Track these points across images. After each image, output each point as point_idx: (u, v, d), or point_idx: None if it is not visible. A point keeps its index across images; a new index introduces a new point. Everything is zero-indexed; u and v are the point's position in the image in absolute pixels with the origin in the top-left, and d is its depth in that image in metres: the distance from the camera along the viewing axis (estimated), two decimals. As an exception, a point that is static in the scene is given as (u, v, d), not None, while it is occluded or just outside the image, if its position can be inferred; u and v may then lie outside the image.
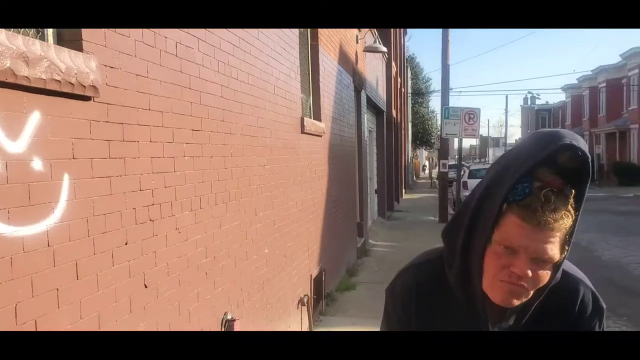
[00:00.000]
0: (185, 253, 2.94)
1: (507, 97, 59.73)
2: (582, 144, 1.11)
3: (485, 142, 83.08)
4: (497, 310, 1.23)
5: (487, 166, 26.17)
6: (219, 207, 3.37)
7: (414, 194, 27.87)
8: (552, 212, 1.08)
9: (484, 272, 1.16)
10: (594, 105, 38.96)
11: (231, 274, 3.56)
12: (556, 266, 1.15)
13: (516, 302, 1.15)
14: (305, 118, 5.46)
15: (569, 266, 1.28)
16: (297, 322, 5.20)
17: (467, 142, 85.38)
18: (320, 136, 6.26)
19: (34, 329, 1.82)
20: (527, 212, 1.08)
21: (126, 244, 2.38)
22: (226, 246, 3.47)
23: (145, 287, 2.53)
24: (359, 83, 9.55)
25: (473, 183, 18.55)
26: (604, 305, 1.29)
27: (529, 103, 60.13)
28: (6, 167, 1.69)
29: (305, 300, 5.38)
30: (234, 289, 3.60)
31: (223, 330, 3.40)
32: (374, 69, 12.74)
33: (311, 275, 5.78)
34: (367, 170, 11.90)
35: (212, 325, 3.28)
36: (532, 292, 1.15)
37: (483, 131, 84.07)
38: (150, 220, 2.58)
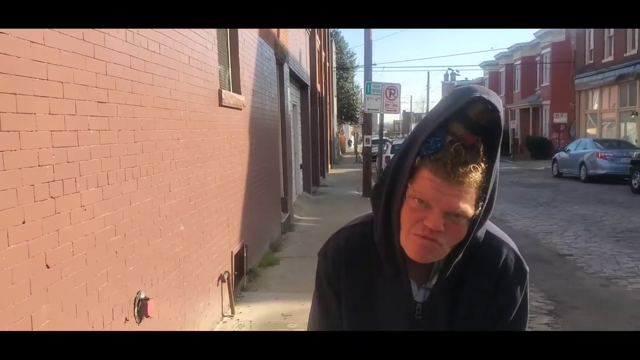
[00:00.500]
0: (92, 231, 2.81)
1: (428, 73, 61.42)
2: (494, 99, 1.11)
3: (408, 117, 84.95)
4: (421, 271, 1.25)
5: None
6: (129, 182, 3.24)
7: (339, 168, 28.20)
8: (462, 166, 1.08)
9: (400, 226, 1.17)
10: (510, 82, 40.63)
11: (144, 252, 3.45)
12: (472, 222, 1.16)
13: (430, 258, 1.16)
14: (223, 90, 5.33)
15: (494, 228, 1.30)
16: (217, 299, 5.15)
17: (391, 118, 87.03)
18: (240, 109, 6.16)
19: None
20: (438, 166, 1.09)
21: (24, 222, 2.24)
22: (138, 223, 3.35)
23: (47, 267, 2.40)
24: (281, 56, 9.44)
25: (396, 157, 18.97)
26: (527, 269, 1.30)
27: (449, 79, 61.91)
28: None
29: (226, 277, 5.32)
30: (147, 268, 3.50)
31: (136, 309, 3.31)
32: (297, 41, 12.64)
33: (232, 251, 5.72)
34: (292, 145, 11.87)
35: (125, 304, 3.18)
36: (447, 249, 1.16)
37: (406, 107, 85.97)
38: (52, 197, 2.44)
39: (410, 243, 1.15)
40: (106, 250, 2.96)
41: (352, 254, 1.31)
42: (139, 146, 3.38)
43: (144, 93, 3.46)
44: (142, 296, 3.37)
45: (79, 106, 2.67)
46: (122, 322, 3.15)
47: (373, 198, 1.26)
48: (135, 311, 3.31)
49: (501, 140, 1.14)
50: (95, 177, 2.85)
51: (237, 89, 6.24)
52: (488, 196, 1.14)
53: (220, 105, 5.27)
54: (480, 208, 1.14)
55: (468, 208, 1.12)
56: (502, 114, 1.12)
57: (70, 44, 2.60)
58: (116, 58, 3.09)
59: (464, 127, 1.11)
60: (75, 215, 2.64)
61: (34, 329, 2.30)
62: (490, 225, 1.26)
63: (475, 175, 1.10)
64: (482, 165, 1.11)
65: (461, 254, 1.19)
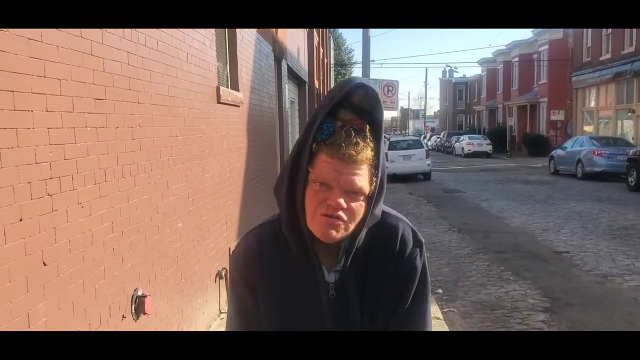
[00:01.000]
0: (90, 228, 2.81)
1: (426, 70, 60.81)
2: (372, 84, 1.27)
3: (405, 114, 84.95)
4: (330, 255, 1.33)
5: (407, 138, 26.74)
6: (127, 180, 3.23)
7: (336, 165, 28.13)
8: (353, 146, 1.20)
9: (305, 210, 1.25)
10: (508, 79, 40.63)
11: (141, 249, 3.45)
12: (369, 199, 1.26)
13: (336, 236, 1.24)
14: (221, 87, 5.32)
15: (388, 209, 1.41)
16: (214, 296, 5.15)
17: (389, 114, 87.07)
18: (238, 106, 6.15)
19: None
20: (333, 148, 1.21)
21: (21, 220, 2.24)
22: (135, 220, 3.35)
23: (44, 265, 2.40)
24: (279, 52, 9.43)
25: (393, 154, 18.99)
26: (423, 239, 1.42)
27: (447, 76, 61.84)
28: None
29: (224, 274, 5.32)
30: (144, 265, 3.50)
31: (134, 306, 3.31)
32: (295, 38, 12.61)
33: (230, 248, 5.72)
34: (290, 141, 11.86)
35: (122, 301, 3.18)
36: (351, 226, 1.26)
37: (404, 103, 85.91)
38: (49, 194, 2.44)
39: (316, 224, 1.24)
40: (103, 248, 2.95)
41: (263, 251, 1.36)
42: (136, 143, 3.37)
43: (141, 90, 3.45)
44: (140, 293, 3.37)
45: (77, 103, 2.66)
46: (119, 319, 3.14)
47: (276, 189, 1.33)
48: (133, 308, 3.31)
49: (383, 119, 1.28)
50: (93, 174, 2.84)
51: (235, 86, 6.23)
52: (380, 173, 1.26)
53: (219, 102, 5.26)
54: (374, 184, 1.26)
55: (365, 185, 1.23)
56: (380, 97, 1.27)
57: (68, 41, 2.59)
58: (114, 55, 3.08)
59: (350, 112, 1.24)
60: (73, 213, 2.64)
61: (31, 327, 2.30)
62: (384, 207, 1.37)
63: (367, 153, 1.22)
64: (371, 144, 1.23)
65: (364, 230, 1.29)
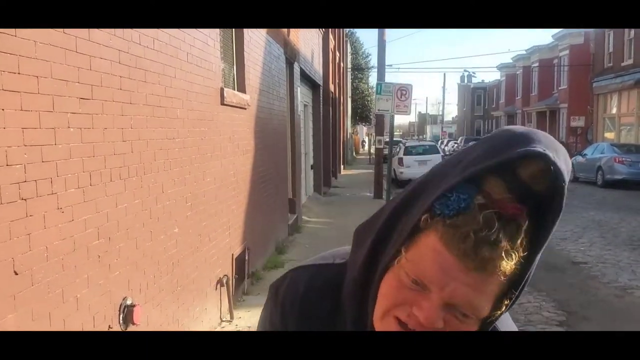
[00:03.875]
0: (71, 235, 2.66)
1: (444, 74, 60.38)
2: (562, 158, 0.77)
3: (423, 119, 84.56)
4: None
5: (423, 143, 26.55)
6: (115, 183, 3.08)
7: (353, 169, 27.99)
8: (490, 245, 0.74)
9: (377, 299, 0.84)
10: (527, 85, 40.12)
11: (131, 256, 3.30)
12: (484, 324, 0.82)
13: None
14: (225, 89, 5.18)
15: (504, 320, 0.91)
16: (215, 304, 4.99)
17: (406, 119, 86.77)
18: (245, 108, 6.00)
19: None
20: (454, 236, 0.74)
21: (-11, 226, 2.10)
22: (124, 226, 3.20)
23: (16, 274, 2.25)
24: (291, 55, 9.28)
25: (409, 159, 18.78)
26: None
27: (466, 81, 61.40)
28: None
29: (225, 281, 5.17)
30: (135, 272, 3.35)
31: (122, 316, 3.15)
32: (309, 41, 12.47)
33: (233, 254, 5.57)
34: (302, 145, 11.71)
35: (108, 311, 3.03)
36: None
37: (421, 108, 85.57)
38: (22, 199, 2.29)
39: (386, 327, 0.83)
40: (87, 255, 2.81)
41: (309, 302, 0.97)
42: (127, 145, 3.23)
43: (134, 90, 3.31)
44: (129, 302, 3.22)
45: (57, 102, 2.52)
46: (105, 329, 2.99)
47: (356, 241, 0.93)
48: (121, 318, 3.16)
49: (558, 218, 0.78)
50: (76, 177, 2.70)
51: (242, 88, 6.08)
52: (517, 294, 0.80)
53: (222, 103, 5.11)
54: (503, 308, 0.81)
55: (484, 307, 0.78)
56: (567, 181, 0.77)
57: (48, 36, 2.44)
58: (102, 52, 2.94)
59: (506, 189, 0.76)
60: (51, 218, 2.49)
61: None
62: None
63: (506, 264, 0.75)
64: (520, 251, 0.76)
65: None
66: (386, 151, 14.80)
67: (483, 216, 0.74)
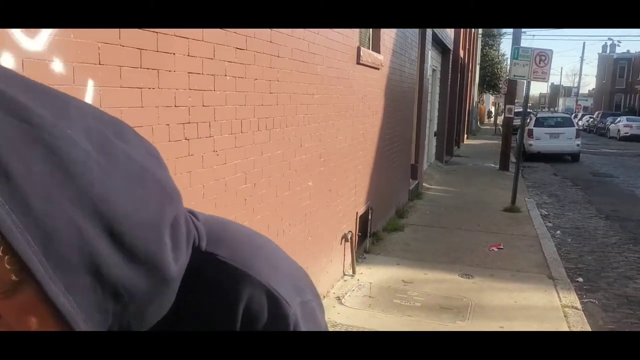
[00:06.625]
0: (223, 177, 2.85)
1: (584, 43, 56.16)
2: None
3: (556, 90, 79.35)
4: None
5: (556, 114, 24.95)
6: (262, 133, 3.24)
7: (476, 139, 27.10)
8: None
9: None
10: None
11: (272, 203, 3.47)
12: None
13: None
14: (362, 48, 5.19)
15: (237, 249, 0.72)
16: (339, 257, 5.14)
17: (537, 90, 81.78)
18: (378, 69, 5.99)
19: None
20: None
21: (158, 161, 2.30)
22: (267, 174, 3.37)
23: (178, 207, 2.47)
24: (424, 17, 9.04)
25: (539, 131, 17.81)
26: (292, 310, 0.71)
27: (608, 51, 56.47)
28: (22, 65, 1.59)
29: (349, 237, 5.29)
30: (274, 218, 3.53)
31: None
32: (442, 4, 12.07)
33: (357, 212, 5.67)
34: (427, 110, 11.51)
35: (249, 252, 3.23)
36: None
37: (555, 79, 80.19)
38: (186, 139, 2.49)
39: None
40: (235, 197, 3.00)
41: None
42: (274, 97, 3.37)
43: (282, 43, 3.42)
44: (266, 246, 3.41)
45: (217, 50, 2.68)
46: (245, 268, 3.20)
47: None
48: (259, 260, 3.36)
49: None
50: (229, 123, 2.87)
51: (376, 48, 6.07)
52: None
53: (358, 63, 5.14)
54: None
55: None
56: None
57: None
58: (257, 5, 3.06)
59: None
60: (208, 159, 2.68)
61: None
62: (232, 242, 0.73)
63: None
64: None
65: None
66: (517, 121, 14.13)
67: None
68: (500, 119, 27.40)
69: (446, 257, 6.20)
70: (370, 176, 6.20)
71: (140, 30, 2.08)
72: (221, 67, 2.73)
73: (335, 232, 4.98)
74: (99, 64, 1.89)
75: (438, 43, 12.62)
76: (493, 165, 15.08)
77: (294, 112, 3.70)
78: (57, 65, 1.71)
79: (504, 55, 37.68)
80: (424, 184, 10.83)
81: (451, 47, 14.89)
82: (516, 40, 12.99)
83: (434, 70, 12.87)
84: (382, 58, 6.12)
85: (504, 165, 14.20)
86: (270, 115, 3.35)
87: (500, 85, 34.68)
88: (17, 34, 1.55)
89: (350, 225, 5.43)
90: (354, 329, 4.12)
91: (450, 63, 15.19)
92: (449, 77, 15.27)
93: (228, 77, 2.80)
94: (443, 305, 4.71)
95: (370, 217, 6.18)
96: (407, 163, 9.11)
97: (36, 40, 1.62)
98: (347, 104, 4.98)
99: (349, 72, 4.92)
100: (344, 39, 4.71)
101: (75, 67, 1.78)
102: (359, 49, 5.11)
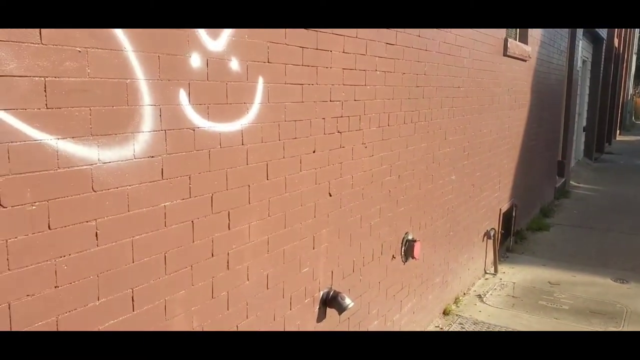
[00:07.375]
0: (370, 168, 2.95)
1: None
2: None
3: None
4: None
5: None
6: (407, 126, 3.29)
7: (630, 136, 24.88)
8: None
9: None
10: None
11: (415, 196, 3.51)
12: None
13: None
14: (509, 39, 5.03)
15: None
16: (480, 254, 5.04)
17: None
18: (525, 61, 5.76)
19: (226, 221, 1.97)
20: None
21: (314, 152, 2.45)
22: (411, 167, 3.41)
23: (330, 195, 2.60)
24: (576, 5, 8.50)
25: None
26: None
27: None
28: (207, 64, 1.78)
29: (492, 234, 5.16)
30: (416, 211, 3.56)
31: (403, 248, 3.41)
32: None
33: (500, 209, 5.51)
34: (576, 104, 10.80)
35: (393, 242, 3.30)
36: None
37: None
38: (338, 131, 2.61)
39: None
40: (381, 188, 3.08)
41: None
42: (420, 91, 3.40)
43: (430, 37, 3.44)
44: (410, 237, 3.46)
45: (369, 46, 2.77)
46: (389, 258, 3.28)
47: None
48: (402, 251, 3.42)
49: None
50: (377, 117, 2.95)
51: (523, 39, 5.83)
52: None
53: (505, 54, 4.99)
54: None
55: None
56: None
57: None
58: None
59: None
60: (357, 151, 2.79)
61: (315, 247, 2.53)
62: None
63: None
64: None
65: None
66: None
67: None
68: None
69: (596, 259, 5.82)
70: (515, 172, 5.98)
71: (304, 30, 2.23)
72: (372, 62, 2.82)
73: (478, 229, 4.89)
74: (267, 62, 2.06)
75: (589, 32, 11.77)
76: (651, 164, 13.79)
77: (439, 105, 3.70)
78: (234, 64, 1.90)
79: (666, 42, 34.07)
80: (571, 182, 10.20)
81: (604, 36, 13.80)
82: (683, 26, 11.74)
83: (584, 62, 12.04)
84: (530, 49, 5.87)
85: (665, 164, 12.92)
86: (416, 109, 3.39)
87: (662, 76, 31.40)
88: (204, 35, 1.75)
89: (493, 222, 5.30)
90: (497, 329, 4.03)
91: (603, 53, 14.09)
92: (601, 68, 14.17)
93: (378, 72, 2.89)
94: (593, 310, 4.44)
95: (514, 214, 5.97)
96: (554, 159, 8.64)
97: (218, 41, 1.81)
98: (492, 97, 4.85)
99: (494, 64, 4.79)
100: (491, 31, 4.60)
101: (249, 65, 1.96)
102: (506, 41, 4.95)
